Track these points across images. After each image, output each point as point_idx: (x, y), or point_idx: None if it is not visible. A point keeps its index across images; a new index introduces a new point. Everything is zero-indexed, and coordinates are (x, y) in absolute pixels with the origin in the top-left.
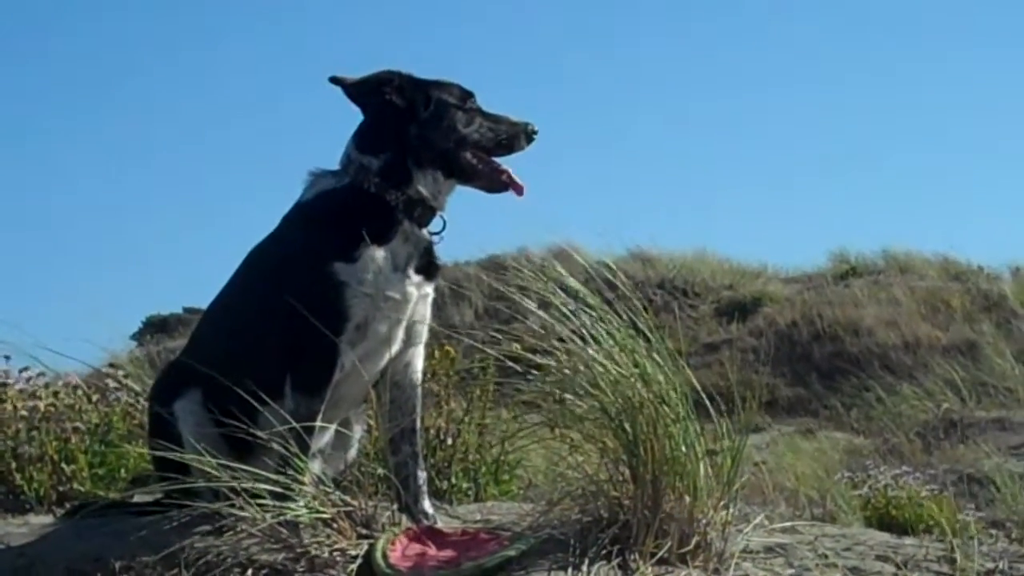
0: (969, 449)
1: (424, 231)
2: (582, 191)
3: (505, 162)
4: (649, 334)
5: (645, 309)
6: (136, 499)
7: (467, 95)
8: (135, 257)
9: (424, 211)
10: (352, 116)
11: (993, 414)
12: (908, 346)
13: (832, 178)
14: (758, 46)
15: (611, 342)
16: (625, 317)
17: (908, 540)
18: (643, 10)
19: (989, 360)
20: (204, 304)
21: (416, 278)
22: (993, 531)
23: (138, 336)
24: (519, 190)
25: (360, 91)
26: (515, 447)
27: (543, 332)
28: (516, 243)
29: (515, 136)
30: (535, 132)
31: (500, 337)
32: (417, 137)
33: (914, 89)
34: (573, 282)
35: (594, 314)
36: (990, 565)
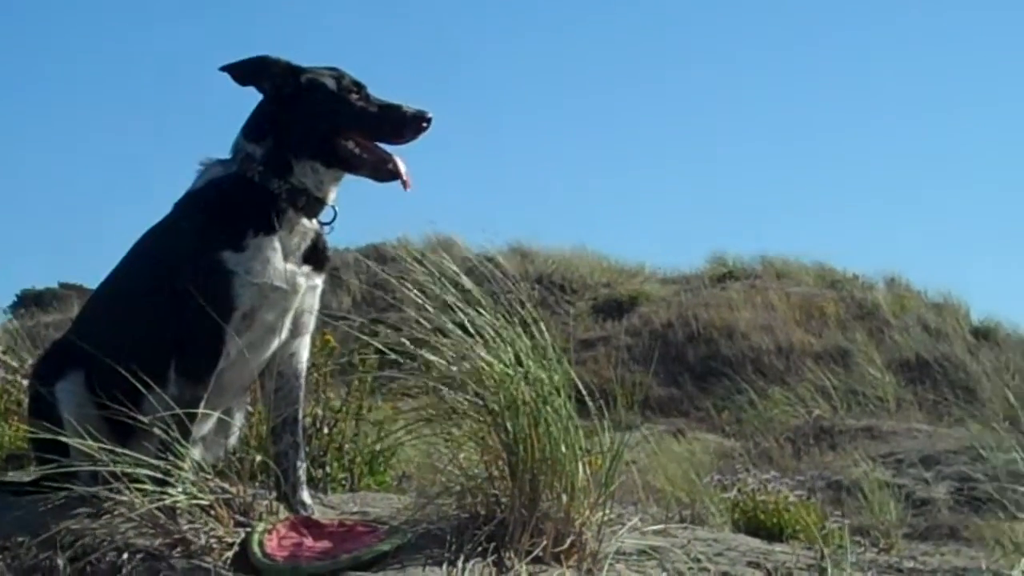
0: (838, 456)
1: (313, 221)
2: (463, 184)
3: (399, 152)
4: (534, 329)
5: (523, 304)
6: (13, 478)
7: (350, 82)
8: (9, 230)
9: (310, 201)
10: None
11: (863, 422)
12: (781, 351)
13: (712, 182)
14: (633, 42)
15: (494, 336)
16: (508, 311)
17: (779, 547)
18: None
19: (861, 368)
20: (81, 280)
21: (304, 268)
22: (858, 538)
23: (11, 310)
24: (405, 184)
25: (240, 75)
26: (392, 439)
27: (424, 323)
28: (397, 232)
29: (402, 124)
30: (428, 120)
31: (378, 327)
32: (293, 125)
33: (790, 96)
34: (456, 272)
35: (477, 307)
36: (859, 575)
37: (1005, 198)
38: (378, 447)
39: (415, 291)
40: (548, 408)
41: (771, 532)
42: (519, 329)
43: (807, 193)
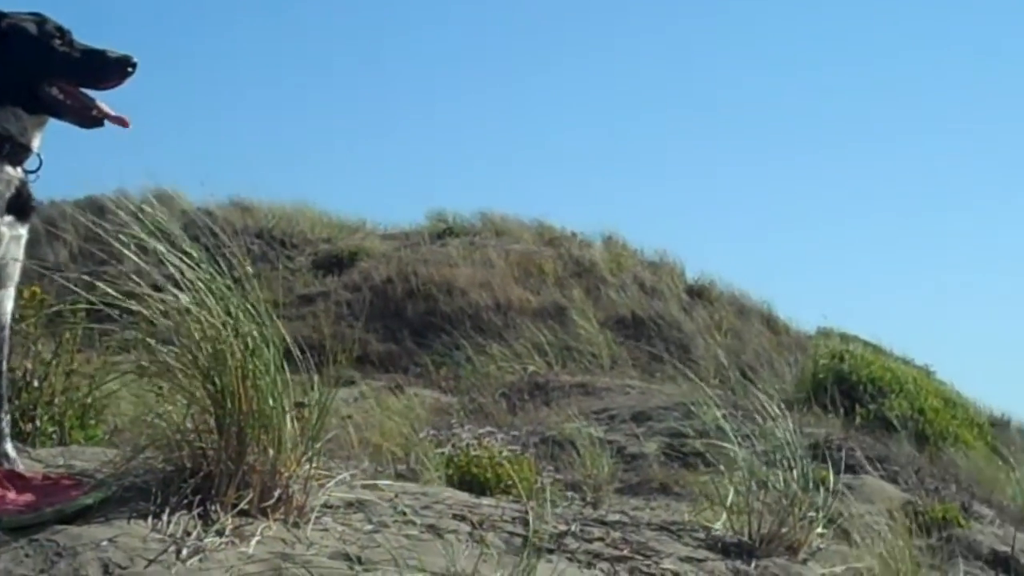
0: (553, 412)
1: (18, 170)
2: (184, 137)
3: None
4: (245, 284)
5: (242, 259)
6: None
7: (53, 27)
8: None
9: (15, 148)
10: None
11: (578, 378)
12: (500, 308)
13: (433, 138)
14: None
15: (206, 291)
16: (223, 266)
17: (486, 500)
18: None
19: (577, 325)
20: None
21: (7, 218)
22: (571, 493)
23: None
24: (122, 123)
25: None
26: (104, 392)
27: (138, 277)
28: (115, 184)
29: (106, 69)
30: (133, 65)
31: (94, 280)
32: None
33: (504, 55)
34: (170, 227)
35: (190, 261)
36: (563, 527)
37: (718, 158)
38: (89, 400)
39: (131, 245)
40: (256, 362)
41: (483, 487)
42: (230, 283)
43: (526, 150)
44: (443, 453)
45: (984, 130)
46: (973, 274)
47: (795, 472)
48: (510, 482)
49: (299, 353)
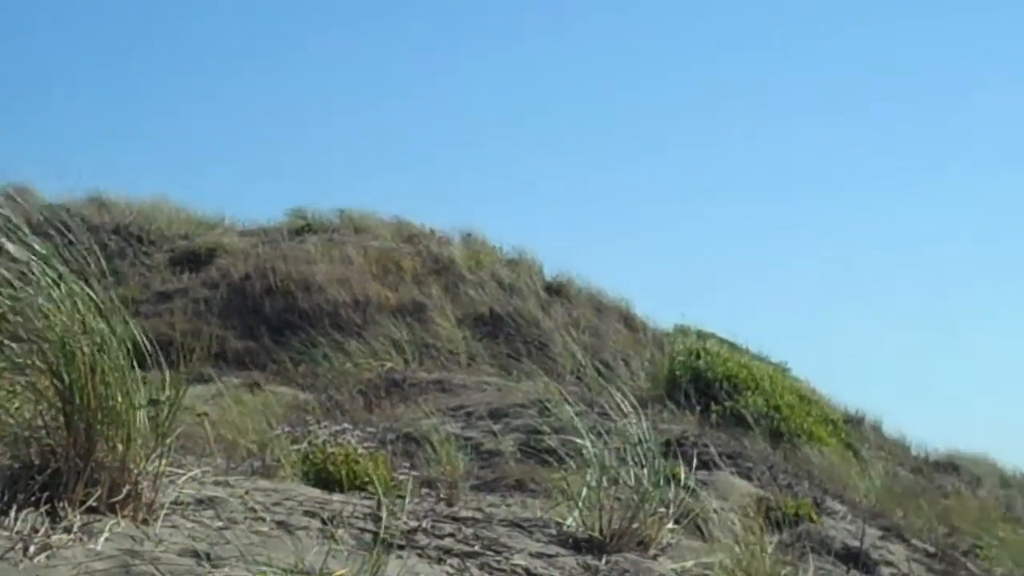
0: (409, 409)
1: None
2: (41, 131)
3: None
4: (97, 282)
5: (98, 256)
6: None
7: None
8: None
9: None
10: None
11: (435, 375)
12: (358, 305)
13: (292, 134)
14: None
15: (53, 286)
16: (75, 263)
17: (337, 497)
18: None
19: (434, 322)
20: None
21: None
22: (426, 490)
23: None
24: None
25: None
26: None
27: None
28: None
29: None
30: None
31: None
32: None
33: (354, 54)
34: (20, 224)
35: (37, 257)
36: (414, 523)
37: (574, 156)
38: None
39: None
40: (105, 358)
41: (339, 484)
42: (80, 280)
43: (385, 148)
44: (299, 450)
45: (834, 128)
46: (829, 272)
47: (646, 469)
48: (366, 479)
49: (154, 350)
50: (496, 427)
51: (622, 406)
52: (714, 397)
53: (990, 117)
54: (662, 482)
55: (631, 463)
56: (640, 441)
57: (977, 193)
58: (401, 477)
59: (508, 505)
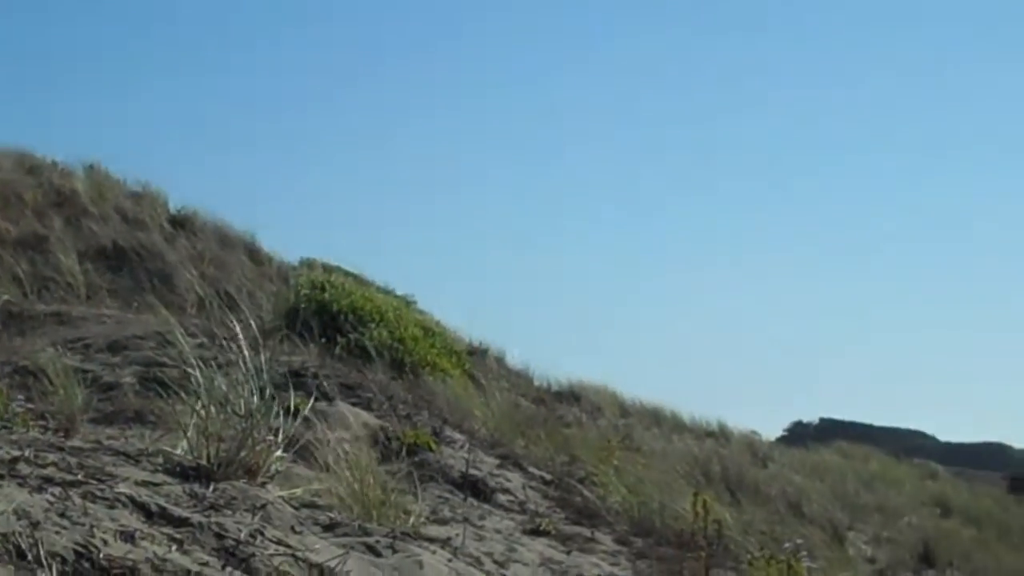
0: (27, 342)
1: None
2: None
3: None
4: None
5: None
6: None
7: None
8: None
9: None
10: None
11: (53, 308)
12: None
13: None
14: None
15: None
16: None
17: None
18: None
19: (55, 255)
20: None
21: None
22: (43, 422)
23: None
24: None
25: None
26: None
27: None
28: None
29: None
30: None
31: None
32: None
33: None
34: None
35: None
36: (16, 453)
37: (190, 80)
38: None
39: None
40: None
41: None
42: None
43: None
44: None
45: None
46: (444, 202)
47: (256, 398)
48: None
49: None
50: (115, 360)
51: (241, 338)
52: (339, 329)
53: None
54: (273, 412)
55: (243, 393)
56: (256, 372)
57: None
58: (17, 409)
59: (127, 437)
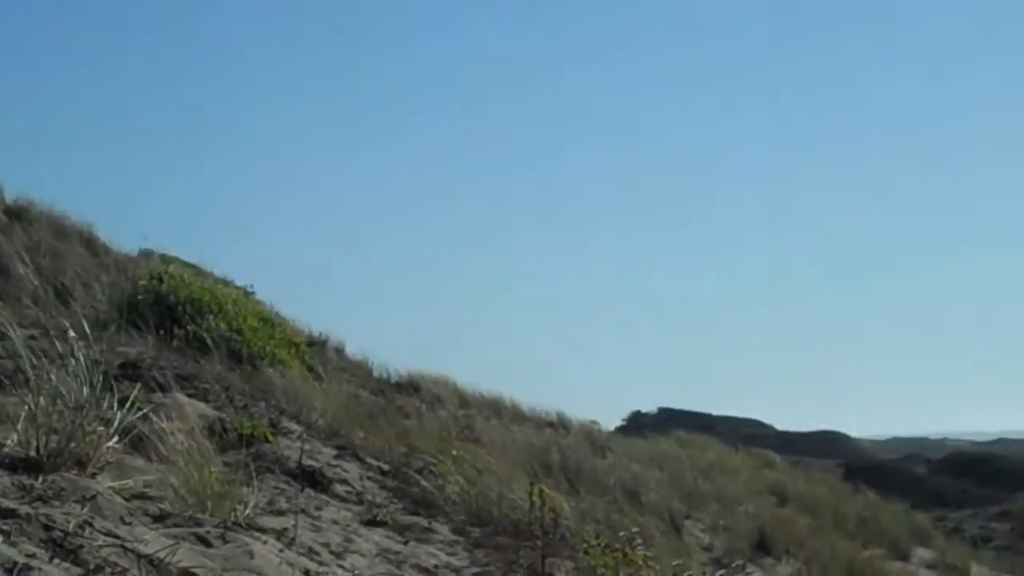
0: None
1: None
2: None
3: None
4: None
5: None
6: None
7: None
8: None
9: None
10: None
11: None
12: None
13: None
14: None
15: None
16: None
17: None
18: None
19: None
20: None
21: None
22: None
23: None
24: None
25: None
26: None
27: None
28: None
29: None
30: None
31: None
32: None
33: None
34: None
35: None
36: None
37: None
38: None
39: None
40: None
41: None
42: None
43: None
44: None
45: None
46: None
47: (86, 390)
48: None
49: None
50: None
51: (71, 331)
52: (177, 320)
53: None
54: (105, 403)
55: (75, 385)
56: (89, 364)
57: None
58: None
59: None
